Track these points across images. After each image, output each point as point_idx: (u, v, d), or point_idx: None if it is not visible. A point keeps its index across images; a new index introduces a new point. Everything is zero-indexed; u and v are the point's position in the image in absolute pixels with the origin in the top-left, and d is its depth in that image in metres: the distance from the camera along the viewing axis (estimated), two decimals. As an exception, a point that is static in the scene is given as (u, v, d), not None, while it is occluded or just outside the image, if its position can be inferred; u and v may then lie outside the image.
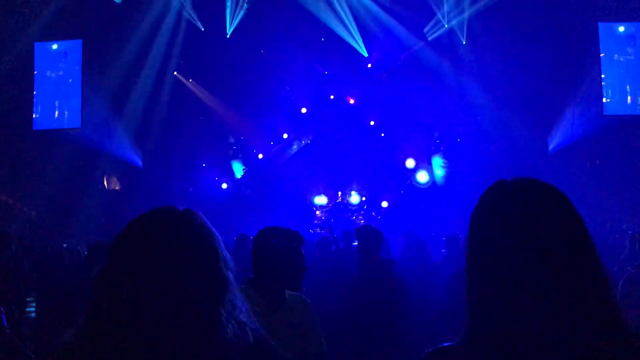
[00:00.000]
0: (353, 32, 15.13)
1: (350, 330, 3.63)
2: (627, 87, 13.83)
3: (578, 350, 1.02)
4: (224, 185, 15.41)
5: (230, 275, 1.29)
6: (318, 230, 13.41)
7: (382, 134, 15.70)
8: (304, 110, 15.84)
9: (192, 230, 1.26)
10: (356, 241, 7.04)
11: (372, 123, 15.63)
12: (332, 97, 15.91)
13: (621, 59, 13.89)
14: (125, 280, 1.18)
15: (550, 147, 14.31)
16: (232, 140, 16.26)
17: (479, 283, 1.13)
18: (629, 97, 13.84)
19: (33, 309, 6.19)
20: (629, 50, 13.89)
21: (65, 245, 8.28)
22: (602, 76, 13.76)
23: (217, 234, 1.31)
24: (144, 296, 1.16)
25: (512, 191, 1.16)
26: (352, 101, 15.88)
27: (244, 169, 15.96)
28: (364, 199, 15.21)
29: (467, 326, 1.14)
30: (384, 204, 15.07)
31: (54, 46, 14.94)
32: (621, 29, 13.90)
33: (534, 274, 1.06)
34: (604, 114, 13.69)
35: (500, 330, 1.07)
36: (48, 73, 14.90)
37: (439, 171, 15.38)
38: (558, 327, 1.03)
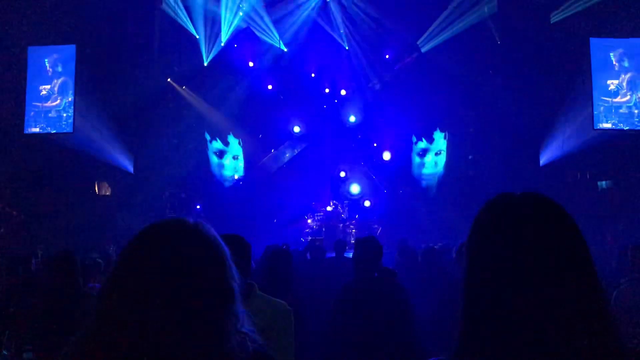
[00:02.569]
0: (345, 42, 15.24)
1: (345, 341, 3.61)
2: (618, 100, 13.98)
3: None
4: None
5: (236, 287, 1.30)
6: (309, 239, 13.41)
7: (375, 144, 15.77)
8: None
9: (202, 242, 1.27)
10: (351, 251, 7.04)
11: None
12: (324, 106, 15.97)
13: (612, 74, 14.06)
14: (132, 289, 1.18)
15: (542, 160, 14.40)
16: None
17: (477, 297, 1.12)
18: (617, 111, 14.01)
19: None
20: (620, 65, 14.05)
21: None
22: (593, 91, 13.91)
23: (224, 245, 1.32)
24: (151, 306, 1.16)
25: (517, 205, 1.15)
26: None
27: (234, 179, 15.97)
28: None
29: (461, 340, 1.13)
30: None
31: (48, 50, 14.88)
32: (612, 44, 14.07)
33: (534, 290, 1.06)
34: (595, 127, 13.83)
35: (495, 346, 1.07)
36: (41, 77, 14.84)
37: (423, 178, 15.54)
38: (556, 345, 1.03)
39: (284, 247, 7.10)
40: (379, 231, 14.28)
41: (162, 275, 1.18)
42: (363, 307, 3.58)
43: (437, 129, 15.51)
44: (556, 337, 1.04)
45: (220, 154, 16.16)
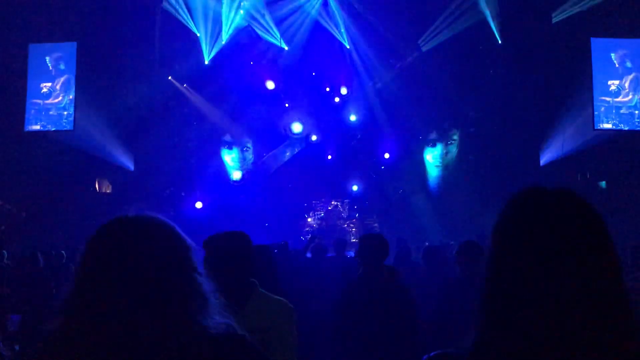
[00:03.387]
0: (346, 41, 15.22)
1: (348, 339, 3.61)
2: (619, 100, 13.98)
3: None
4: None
5: (196, 275, 1.34)
6: (309, 237, 13.40)
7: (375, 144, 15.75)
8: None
9: (150, 234, 1.32)
10: (352, 250, 7.02)
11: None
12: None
13: (613, 74, 14.06)
14: (90, 286, 1.24)
15: (542, 160, 14.40)
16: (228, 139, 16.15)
17: (502, 289, 1.11)
18: (617, 111, 14.02)
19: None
20: (622, 66, 14.05)
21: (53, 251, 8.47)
22: (594, 91, 13.91)
23: (181, 233, 1.37)
24: (114, 304, 1.21)
25: (551, 199, 1.15)
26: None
27: (237, 176, 15.97)
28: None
29: (481, 331, 1.12)
30: (354, 187, 15.30)
31: (49, 48, 14.88)
32: (614, 45, 14.07)
33: (560, 286, 1.06)
34: (595, 128, 13.84)
35: (517, 338, 1.06)
36: (42, 75, 14.84)
37: (432, 170, 15.50)
38: (577, 340, 1.03)
39: (283, 244, 7.09)
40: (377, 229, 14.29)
41: (116, 272, 1.23)
42: (367, 305, 3.57)
43: (448, 121, 15.45)
44: (578, 333, 1.03)
45: (229, 145, 16.12)
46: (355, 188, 15.52)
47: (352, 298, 3.70)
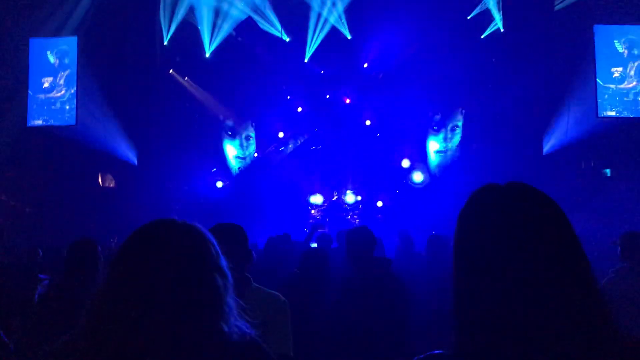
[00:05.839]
0: (347, 31, 15.16)
1: (344, 332, 3.61)
2: (623, 86, 13.89)
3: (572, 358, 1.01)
4: (219, 184, 15.29)
5: (220, 282, 1.37)
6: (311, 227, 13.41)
7: (378, 134, 15.66)
8: (299, 109, 15.77)
9: (191, 242, 1.35)
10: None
11: (368, 123, 15.60)
12: (327, 96, 15.85)
13: (616, 62, 13.96)
14: (124, 291, 1.26)
15: (545, 149, 14.34)
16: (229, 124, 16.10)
17: (465, 290, 1.11)
18: (621, 99, 13.93)
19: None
20: (624, 52, 13.95)
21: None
22: (597, 78, 13.82)
23: (213, 243, 1.41)
24: (142, 303, 1.24)
25: (503, 195, 1.14)
26: (348, 101, 15.82)
27: (239, 168, 15.98)
28: (359, 198, 15.22)
29: (456, 336, 1.12)
30: (379, 204, 15.07)
31: (49, 42, 14.87)
32: (617, 32, 13.96)
33: (524, 281, 1.04)
34: (599, 115, 13.76)
35: (490, 342, 1.05)
36: (43, 69, 14.84)
37: (434, 157, 15.43)
38: (551, 337, 1.02)
39: (285, 236, 7.10)
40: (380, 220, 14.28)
41: (149, 277, 1.27)
42: (357, 299, 3.57)
43: (450, 109, 15.36)
44: (548, 327, 1.02)
45: (233, 132, 16.08)
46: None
47: (343, 293, 3.71)
